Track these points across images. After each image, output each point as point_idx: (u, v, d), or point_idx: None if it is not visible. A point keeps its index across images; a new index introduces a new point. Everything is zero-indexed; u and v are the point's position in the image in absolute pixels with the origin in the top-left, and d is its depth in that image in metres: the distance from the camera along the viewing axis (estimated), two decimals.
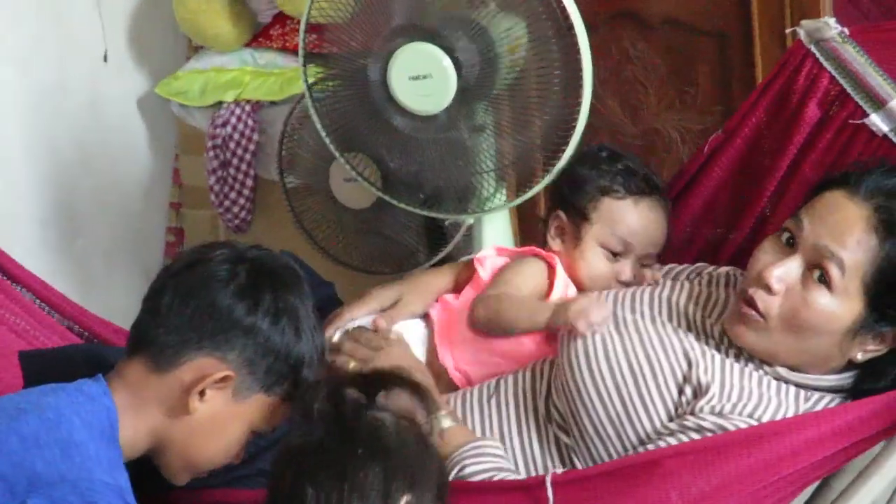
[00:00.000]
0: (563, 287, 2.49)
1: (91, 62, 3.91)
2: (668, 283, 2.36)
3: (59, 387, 1.84)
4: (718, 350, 2.17)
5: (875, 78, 2.34)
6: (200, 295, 1.85)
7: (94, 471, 1.72)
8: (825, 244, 2.08)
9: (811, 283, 2.09)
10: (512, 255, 2.59)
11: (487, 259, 2.58)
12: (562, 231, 2.57)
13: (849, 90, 2.36)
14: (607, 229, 2.50)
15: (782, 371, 2.15)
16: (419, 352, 2.46)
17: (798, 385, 2.14)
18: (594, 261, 2.50)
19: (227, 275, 1.86)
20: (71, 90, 3.84)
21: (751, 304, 2.14)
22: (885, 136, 2.32)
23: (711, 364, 2.12)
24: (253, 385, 1.87)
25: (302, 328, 1.89)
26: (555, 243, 2.57)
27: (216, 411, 1.86)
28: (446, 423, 2.18)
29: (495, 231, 3.09)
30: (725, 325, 2.20)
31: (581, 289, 2.50)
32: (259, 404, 1.89)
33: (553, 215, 2.59)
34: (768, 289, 2.12)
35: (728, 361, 2.15)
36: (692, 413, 2.07)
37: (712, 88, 3.40)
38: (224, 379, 1.83)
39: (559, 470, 2.11)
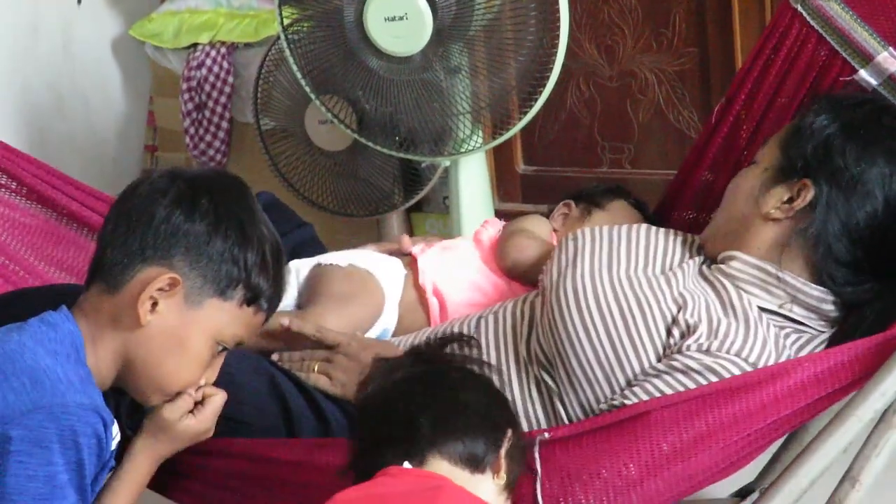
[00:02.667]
0: None
1: (64, 5, 3.88)
2: (656, 230, 2.37)
3: (21, 324, 1.85)
4: (702, 287, 2.19)
5: (861, 33, 2.35)
6: (141, 210, 1.85)
7: (67, 393, 1.73)
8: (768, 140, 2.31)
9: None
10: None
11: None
12: (566, 217, 2.62)
13: (836, 47, 2.38)
14: (612, 220, 2.55)
15: (736, 264, 2.20)
16: (396, 289, 2.47)
17: (765, 285, 2.18)
18: None
19: (165, 187, 1.86)
20: (44, 33, 3.81)
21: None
22: (874, 90, 2.33)
23: (697, 304, 2.14)
24: (205, 289, 1.85)
25: (247, 232, 1.87)
26: (556, 223, 2.62)
27: (171, 322, 1.85)
28: None
29: (471, 174, 3.09)
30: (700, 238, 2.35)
31: None
32: (216, 310, 1.87)
33: (563, 203, 2.64)
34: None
35: (711, 297, 2.17)
36: (679, 352, 2.08)
37: (688, 30, 3.40)
38: (172, 284, 1.83)
39: (542, 417, 2.16)
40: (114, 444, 1.82)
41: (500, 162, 3.70)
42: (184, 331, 1.87)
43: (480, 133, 2.97)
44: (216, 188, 1.89)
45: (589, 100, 3.57)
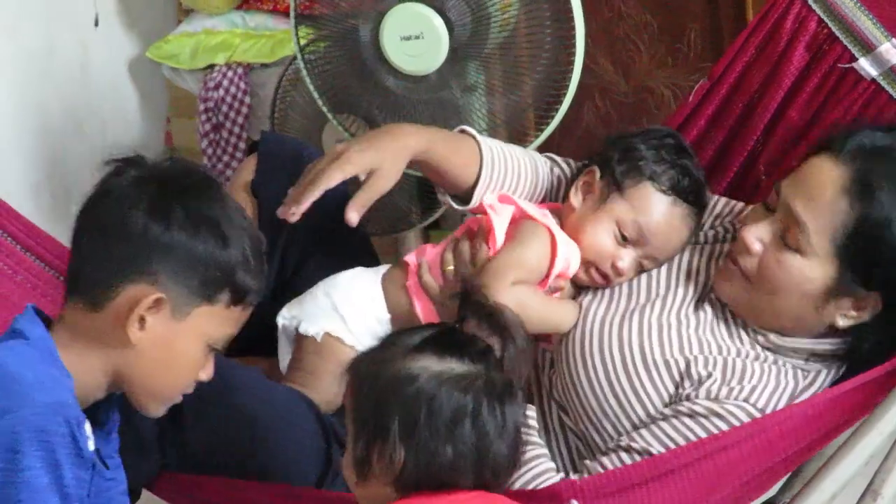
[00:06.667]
0: (564, 260, 2.31)
1: (81, 26, 3.90)
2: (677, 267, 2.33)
3: None
4: (720, 334, 2.17)
5: (864, 21, 2.32)
6: (114, 224, 1.81)
7: (36, 394, 1.71)
8: (795, 208, 2.09)
9: (783, 245, 2.10)
10: (517, 218, 2.38)
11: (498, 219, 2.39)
12: (588, 189, 2.36)
13: (837, 33, 2.35)
14: (633, 212, 2.30)
15: (774, 338, 2.15)
16: (371, 306, 2.41)
17: (794, 351, 2.15)
18: (602, 234, 2.31)
19: (135, 197, 1.82)
20: (61, 55, 3.83)
21: (735, 262, 2.17)
22: (873, 80, 2.31)
23: (710, 354, 2.12)
24: (191, 299, 1.82)
25: (226, 233, 1.83)
26: (576, 198, 2.36)
27: (160, 336, 1.82)
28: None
29: None
30: (713, 284, 2.22)
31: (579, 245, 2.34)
32: (206, 316, 1.84)
33: (588, 169, 2.38)
34: (748, 249, 2.14)
35: (726, 346, 2.15)
36: (687, 398, 2.09)
37: (703, 45, 3.40)
38: (157, 302, 1.80)
39: (564, 451, 2.21)
40: (91, 445, 1.77)
41: None
42: (176, 343, 1.84)
43: None
44: (188, 190, 1.85)
45: (605, 116, 3.58)
